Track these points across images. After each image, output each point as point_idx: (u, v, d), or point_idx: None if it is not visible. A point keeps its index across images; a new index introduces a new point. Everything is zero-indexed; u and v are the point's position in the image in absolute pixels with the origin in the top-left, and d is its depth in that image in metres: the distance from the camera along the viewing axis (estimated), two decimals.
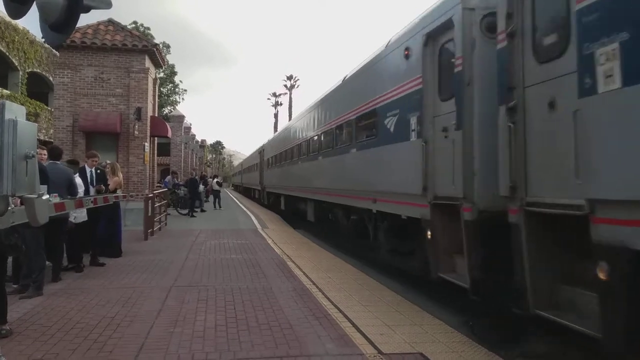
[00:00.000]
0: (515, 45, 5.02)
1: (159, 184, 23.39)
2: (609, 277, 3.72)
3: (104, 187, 9.35)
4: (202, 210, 23.60)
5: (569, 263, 4.67)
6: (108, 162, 10.99)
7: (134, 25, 30.68)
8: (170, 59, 33.79)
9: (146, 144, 16.67)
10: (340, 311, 6.09)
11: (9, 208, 3.34)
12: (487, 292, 5.72)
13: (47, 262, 8.38)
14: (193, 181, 22.75)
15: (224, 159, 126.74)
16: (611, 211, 3.75)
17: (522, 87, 4.95)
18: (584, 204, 3.94)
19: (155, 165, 20.54)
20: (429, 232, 6.85)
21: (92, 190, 9.12)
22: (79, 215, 8.52)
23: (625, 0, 3.61)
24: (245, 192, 53.40)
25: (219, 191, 27.59)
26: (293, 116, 41.32)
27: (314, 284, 7.72)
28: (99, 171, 9.68)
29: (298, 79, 72.70)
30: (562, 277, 4.69)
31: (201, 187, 25.29)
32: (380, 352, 4.69)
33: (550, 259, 4.74)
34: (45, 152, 8.12)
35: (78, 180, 8.84)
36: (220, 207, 26.21)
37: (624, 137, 3.58)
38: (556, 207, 4.40)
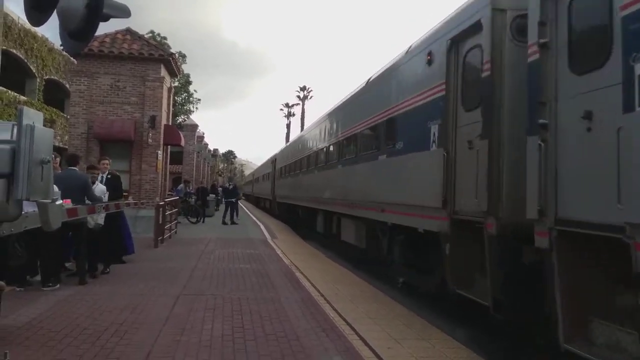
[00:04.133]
0: (549, 56, 4.66)
1: (170, 192, 23.50)
2: None
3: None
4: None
5: (607, 294, 4.22)
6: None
7: (150, 35, 31.07)
8: (186, 68, 34.12)
9: (159, 152, 16.81)
10: (348, 323, 6.06)
11: (22, 212, 3.37)
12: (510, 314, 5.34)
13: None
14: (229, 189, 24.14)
15: (235, 168, 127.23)
16: None
17: (555, 101, 4.60)
18: (625, 227, 3.55)
19: (168, 173, 20.67)
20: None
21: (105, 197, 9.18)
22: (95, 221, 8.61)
23: None
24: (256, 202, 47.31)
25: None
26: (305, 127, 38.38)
27: (322, 295, 7.69)
28: (109, 176, 9.78)
29: (311, 90, 72.91)
30: (600, 310, 4.22)
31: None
32: None
33: (586, 288, 4.24)
34: (57, 159, 8.29)
35: (102, 187, 8.98)
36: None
37: None
38: (592, 227, 4.00)
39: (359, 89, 12.14)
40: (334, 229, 14.24)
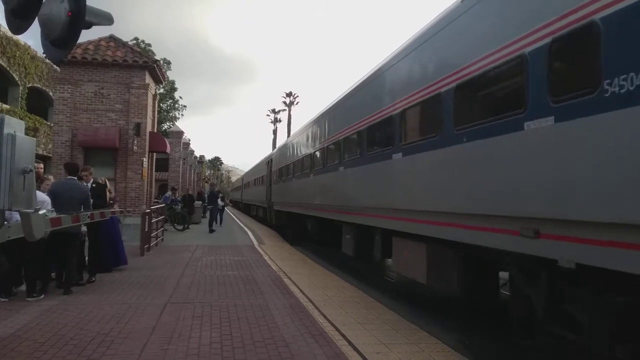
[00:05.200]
0: None
1: (156, 200, 23.30)
2: None
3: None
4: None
5: None
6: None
7: (135, 42, 30.88)
8: (171, 74, 33.99)
9: (145, 159, 16.67)
10: (337, 329, 6.05)
11: (5, 222, 3.34)
12: None
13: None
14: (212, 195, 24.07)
15: (222, 174, 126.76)
16: None
17: None
18: None
19: (154, 180, 20.51)
20: None
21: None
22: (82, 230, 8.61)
23: None
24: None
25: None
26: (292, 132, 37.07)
27: (311, 301, 7.67)
28: (94, 185, 9.74)
29: (297, 96, 72.87)
30: None
31: (220, 202, 24.54)
32: None
33: None
34: (41, 165, 8.28)
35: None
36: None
37: None
38: None
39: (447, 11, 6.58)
40: (376, 252, 9.39)
